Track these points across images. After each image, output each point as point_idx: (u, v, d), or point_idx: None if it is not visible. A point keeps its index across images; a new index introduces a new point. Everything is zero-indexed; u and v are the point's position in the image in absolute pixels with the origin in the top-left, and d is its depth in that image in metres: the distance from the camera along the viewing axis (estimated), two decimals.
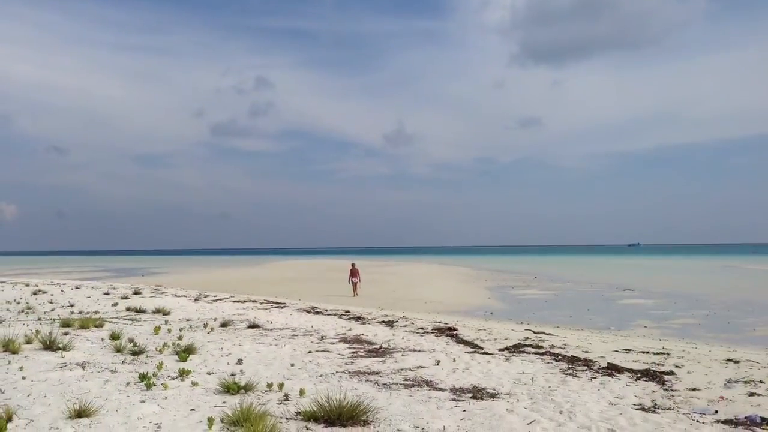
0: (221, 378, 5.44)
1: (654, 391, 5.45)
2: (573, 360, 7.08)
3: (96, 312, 11.22)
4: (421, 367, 6.70)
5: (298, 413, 4.40)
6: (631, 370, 6.44)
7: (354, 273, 21.10)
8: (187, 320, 10.02)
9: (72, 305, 12.33)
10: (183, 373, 5.65)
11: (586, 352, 7.60)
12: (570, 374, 6.20)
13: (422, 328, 9.56)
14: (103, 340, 7.77)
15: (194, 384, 5.34)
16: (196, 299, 14.27)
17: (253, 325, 10.12)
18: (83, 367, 6.15)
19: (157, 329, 8.74)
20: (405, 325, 10.10)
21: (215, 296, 15.27)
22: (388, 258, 75.91)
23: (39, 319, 10.04)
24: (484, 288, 23.30)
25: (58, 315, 10.43)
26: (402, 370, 6.46)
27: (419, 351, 7.51)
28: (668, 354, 7.66)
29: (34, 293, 15.27)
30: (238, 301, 13.73)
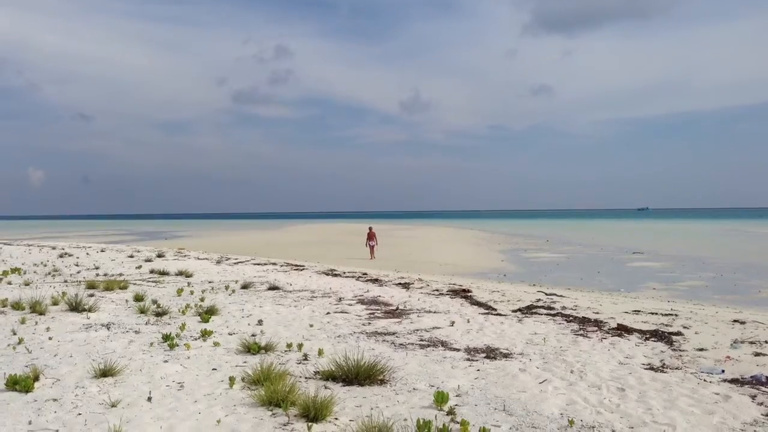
0: (242, 338, 5.46)
1: (662, 351, 5.44)
2: (584, 321, 7.07)
3: (120, 274, 11.26)
4: (436, 327, 6.74)
5: (316, 372, 4.41)
6: (640, 331, 6.43)
7: (371, 236, 21.03)
8: (209, 282, 10.04)
9: (97, 268, 12.39)
10: (205, 334, 5.67)
11: (597, 313, 7.58)
12: (581, 335, 6.19)
13: (437, 290, 9.56)
14: (127, 301, 7.81)
15: (216, 344, 5.36)
16: (218, 262, 14.30)
17: (273, 287, 10.15)
18: (108, 328, 6.19)
19: (179, 291, 8.77)
20: (420, 287, 10.10)
21: (236, 259, 15.29)
22: (404, 222, 75.93)
23: (65, 282, 10.08)
24: (498, 251, 23.28)
25: (84, 277, 10.47)
26: (418, 330, 6.47)
27: (434, 312, 7.51)
28: (676, 315, 7.64)
29: (61, 256, 15.35)
30: (258, 264, 13.74)
